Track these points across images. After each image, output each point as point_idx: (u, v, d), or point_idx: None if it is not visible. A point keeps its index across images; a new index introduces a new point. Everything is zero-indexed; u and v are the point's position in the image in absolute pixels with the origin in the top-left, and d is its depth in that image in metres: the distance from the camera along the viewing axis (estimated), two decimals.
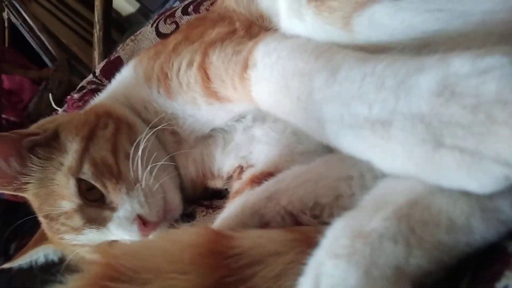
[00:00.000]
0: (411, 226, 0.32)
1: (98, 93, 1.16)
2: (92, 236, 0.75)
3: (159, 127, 0.78)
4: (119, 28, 5.84)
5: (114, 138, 0.78)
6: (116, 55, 1.26)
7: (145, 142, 0.76)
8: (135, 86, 0.84)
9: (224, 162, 0.78)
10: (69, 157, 0.75)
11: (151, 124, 0.81)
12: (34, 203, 0.78)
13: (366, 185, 0.46)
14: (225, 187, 0.80)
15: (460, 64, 0.34)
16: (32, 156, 0.76)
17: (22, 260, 0.88)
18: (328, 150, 0.67)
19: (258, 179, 0.64)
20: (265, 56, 0.59)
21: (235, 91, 0.66)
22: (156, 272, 0.37)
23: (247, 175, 0.70)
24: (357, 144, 0.40)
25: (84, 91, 1.20)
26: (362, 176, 0.47)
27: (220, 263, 0.40)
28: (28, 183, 0.76)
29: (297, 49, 0.54)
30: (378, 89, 0.38)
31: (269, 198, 0.50)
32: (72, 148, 0.75)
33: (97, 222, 0.74)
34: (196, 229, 0.43)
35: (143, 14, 5.30)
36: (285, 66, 0.54)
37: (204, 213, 0.80)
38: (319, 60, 0.49)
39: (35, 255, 0.88)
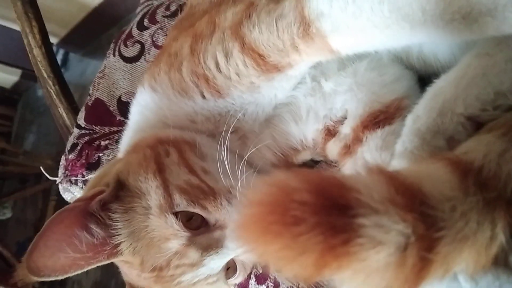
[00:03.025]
0: None
1: (97, 142, 1.08)
2: (214, 262, 0.70)
3: (224, 132, 0.73)
4: (9, 102, 5.45)
5: (184, 159, 0.72)
6: (93, 99, 1.15)
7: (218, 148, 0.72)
8: (170, 105, 0.78)
9: (305, 131, 0.75)
10: (154, 197, 0.68)
11: (208, 133, 0.77)
12: (134, 263, 0.71)
13: None
14: (312, 157, 0.78)
15: None
16: (109, 214, 0.69)
17: None
18: (410, 67, 0.69)
19: (375, 120, 0.63)
20: (332, 1, 0.57)
21: (297, 53, 0.63)
22: (452, 198, 0.35)
23: (348, 127, 0.68)
24: None
25: (79, 147, 1.09)
26: None
27: (479, 181, 0.39)
28: (119, 243, 0.69)
29: None
30: None
31: (441, 114, 0.48)
32: (152, 186, 0.69)
33: (213, 246, 0.69)
34: (431, 164, 0.41)
35: (29, 77, 4.98)
36: None
37: None
38: None
39: None
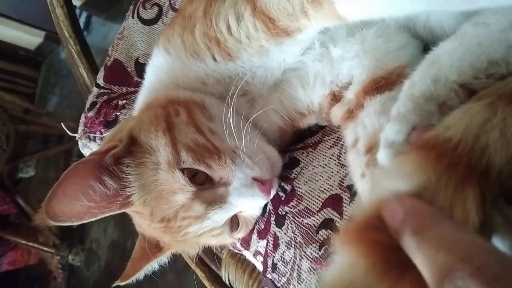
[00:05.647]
0: None
1: (115, 101, 1.11)
2: (217, 216, 0.74)
3: (231, 94, 0.76)
4: (33, 64, 5.54)
5: (192, 119, 0.75)
6: (111, 59, 1.19)
7: (225, 110, 0.75)
8: (182, 67, 0.80)
9: (311, 97, 0.77)
10: (163, 153, 0.72)
11: (218, 95, 0.80)
12: (144, 213, 0.75)
13: None
14: (317, 122, 0.81)
15: None
16: (122, 167, 0.73)
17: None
18: (417, 36, 0.70)
19: (376, 86, 0.65)
20: None
21: (306, 18, 0.65)
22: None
23: (351, 92, 0.70)
24: None
25: (98, 105, 1.13)
26: None
27: (452, 161, 0.41)
28: (130, 195, 0.73)
29: None
30: None
31: (435, 81, 0.50)
32: (161, 143, 0.73)
33: (217, 201, 0.73)
34: (411, 153, 0.44)
35: (52, 39, 5.04)
36: None
37: (306, 154, 0.80)
38: None
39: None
